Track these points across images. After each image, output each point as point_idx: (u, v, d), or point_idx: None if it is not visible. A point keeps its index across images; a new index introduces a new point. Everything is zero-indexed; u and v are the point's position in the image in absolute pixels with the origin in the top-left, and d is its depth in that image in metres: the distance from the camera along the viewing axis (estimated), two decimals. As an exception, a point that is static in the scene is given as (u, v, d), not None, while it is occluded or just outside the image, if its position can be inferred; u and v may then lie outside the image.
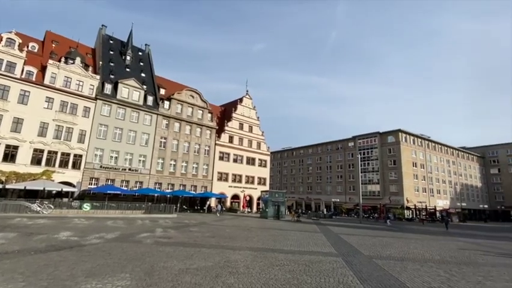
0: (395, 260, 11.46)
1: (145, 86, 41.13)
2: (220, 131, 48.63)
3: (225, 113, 54.25)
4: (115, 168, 35.68)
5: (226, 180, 47.50)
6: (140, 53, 47.05)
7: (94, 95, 35.23)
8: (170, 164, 41.32)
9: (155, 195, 37.18)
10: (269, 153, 56.84)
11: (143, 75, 43.60)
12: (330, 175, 72.04)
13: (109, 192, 32.33)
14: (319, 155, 76.67)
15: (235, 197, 48.56)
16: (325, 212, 55.74)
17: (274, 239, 16.40)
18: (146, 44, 48.78)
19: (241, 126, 51.93)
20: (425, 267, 10.11)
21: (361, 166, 61.39)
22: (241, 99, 53.84)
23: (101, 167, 34.54)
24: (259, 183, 52.20)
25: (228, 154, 48.70)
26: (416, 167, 61.36)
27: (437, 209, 60.85)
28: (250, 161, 51.98)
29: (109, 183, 35.03)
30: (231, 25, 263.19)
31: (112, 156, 35.77)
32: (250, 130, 53.43)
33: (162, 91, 44.43)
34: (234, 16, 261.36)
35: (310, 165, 77.93)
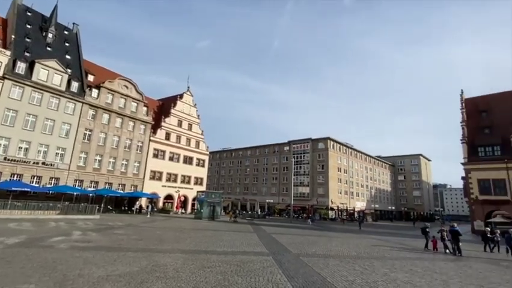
0: (319, 256, 12.45)
1: (69, 70, 36.25)
2: (156, 126, 45.86)
3: (162, 108, 51.46)
4: (25, 161, 30.48)
5: (159, 179, 44.96)
6: (66, 32, 41.34)
7: (1, 74, 29.55)
8: (95, 160, 37.22)
9: (75, 193, 32.93)
10: (208, 152, 55.95)
11: (68, 57, 38.38)
12: (266, 177, 74.57)
13: (14, 189, 27.48)
14: (257, 157, 78.71)
15: (169, 197, 46.36)
16: (259, 213, 57.40)
17: (207, 240, 16.17)
18: (74, 23, 43.16)
19: (180, 123, 49.90)
20: (343, 263, 11.24)
21: (294, 169, 65.17)
22: (181, 95, 51.80)
23: (5, 158, 29.07)
24: (196, 183, 50.88)
25: (164, 152, 46.23)
26: (340, 171, 67.92)
27: (356, 209, 68.41)
28: (188, 160, 50.32)
29: (15, 178, 29.76)
30: (176, 16, 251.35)
31: (21, 147, 30.45)
32: (190, 128, 51.78)
33: (90, 78, 39.81)
34: (181, 7, 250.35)
35: (248, 167, 79.45)
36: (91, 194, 34.18)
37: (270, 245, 15.36)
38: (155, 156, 44.84)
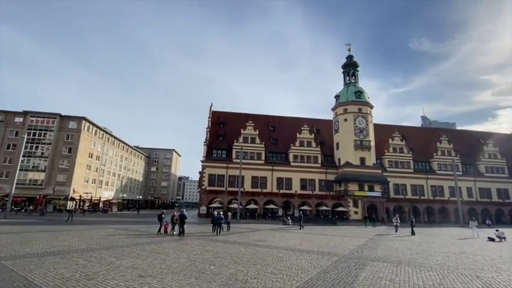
0: (33, 256, 10.25)
1: None
2: None
3: None
4: None
5: None
6: None
7: None
8: None
9: None
10: None
11: None
12: (-30, 154, 51.58)
13: None
14: (-43, 123, 52.65)
15: None
16: None
17: None
18: None
19: None
20: (65, 259, 9.97)
21: (27, 149, 50.50)
22: None
23: None
24: None
25: None
26: (91, 158, 61.05)
27: (102, 199, 64.04)
28: None
29: None
30: None
31: None
32: None
33: None
34: None
35: None
36: None
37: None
38: None
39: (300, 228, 28.37)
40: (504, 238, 21.54)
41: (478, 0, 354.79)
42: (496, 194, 56.69)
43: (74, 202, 54.94)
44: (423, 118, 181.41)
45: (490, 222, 44.25)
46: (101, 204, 61.93)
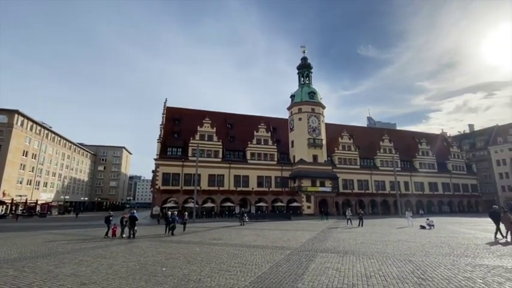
0: None
1: None
2: None
3: None
4: None
5: None
6: None
7: None
8: None
9: None
10: None
11: None
12: None
13: None
14: None
15: None
16: None
17: None
18: None
19: None
20: (-9, 271, 8.79)
21: None
22: None
23: None
24: None
25: None
26: (26, 156, 54.44)
27: (39, 202, 57.53)
28: None
29: None
30: None
31: None
32: None
33: None
34: None
35: None
36: None
37: None
38: None
39: (241, 225, 28.56)
40: (433, 226, 24.45)
41: (416, 15, 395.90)
42: (427, 187, 64.11)
43: (5, 206, 48.54)
44: (369, 119, 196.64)
45: (422, 212, 49.77)
46: (38, 208, 55.60)
